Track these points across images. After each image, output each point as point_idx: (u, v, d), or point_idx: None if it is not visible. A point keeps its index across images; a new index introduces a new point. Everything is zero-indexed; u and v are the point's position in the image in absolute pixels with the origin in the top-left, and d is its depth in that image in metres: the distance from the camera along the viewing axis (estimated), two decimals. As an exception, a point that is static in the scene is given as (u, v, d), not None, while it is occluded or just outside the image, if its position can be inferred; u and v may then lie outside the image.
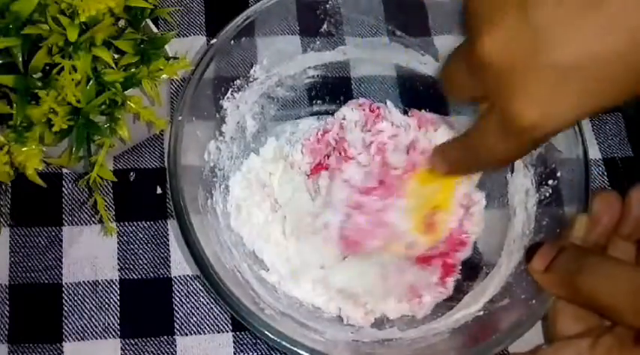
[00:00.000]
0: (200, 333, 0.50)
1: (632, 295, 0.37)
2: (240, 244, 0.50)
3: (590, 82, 0.32)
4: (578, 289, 0.38)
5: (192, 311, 0.50)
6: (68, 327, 0.49)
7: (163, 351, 0.49)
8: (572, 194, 0.45)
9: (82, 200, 0.53)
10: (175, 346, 0.49)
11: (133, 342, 0.49)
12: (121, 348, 0.49)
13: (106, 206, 0.49)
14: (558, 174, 0.47)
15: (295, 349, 0.40)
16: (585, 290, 0.38)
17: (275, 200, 0.52)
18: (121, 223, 0.52)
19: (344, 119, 0.51)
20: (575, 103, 0.33)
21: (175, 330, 0.50)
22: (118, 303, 0.50)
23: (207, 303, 0.51)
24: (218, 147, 0.50)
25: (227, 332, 0.50)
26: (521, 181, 0.49)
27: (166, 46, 0.46)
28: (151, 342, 0.49)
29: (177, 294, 0.51)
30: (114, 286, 0.50)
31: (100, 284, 0.50)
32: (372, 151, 0.49)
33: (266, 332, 0.40)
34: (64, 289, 0.50)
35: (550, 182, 0.47)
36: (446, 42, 0.52)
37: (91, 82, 0.43)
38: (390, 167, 0.48)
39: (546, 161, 0.48)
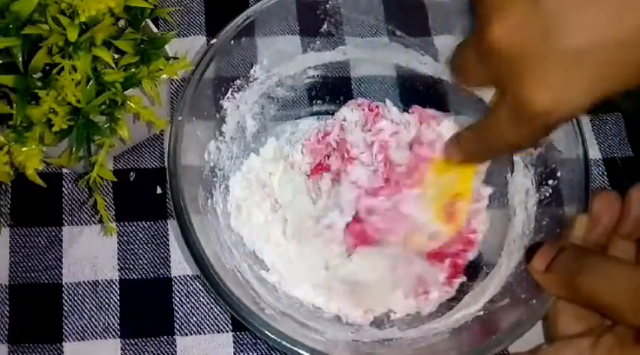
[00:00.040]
0: (200, 333, 0.50)
1: (632, 294, 0.37)
2: (240, 244, 0.50)
3: (602, 66, 0.32)
4: (579, 289, 0.39)
5: (192, 311, 0.50)
6: (68, 327, 0.49)
7: (163, 351, 0.49)
8: (572, 194, 0.45)
9: (82, 200, 0.53)
10: (175, 346, 0.49)
11: (133, 342, 0.49)
12: (121, 348, 0.49)
13: (106, 206, 0.50)
14: (558, 174, 0.47)
15: (295, 349, 0.40)
16: (585, 290, 0.38)
17: (275, 200, 0.52)
18: (121, 223, 0.52)
19: (344, 120, 0.51)
20: (587, 88, 0.33)
21: (175, 330, 0.50)
22: (118, 303, 0.50)
23: (207, 303, 0.51)
24: (218, 147, 0.50)
25: (227, 332, 0.50)
26: (522, 181, 0.49)
27: (166, 46, 0.46)
28: (151, 342, 0.49)
29: (177, 294, 0.51)
30: (114, 286, 0.50)
31: (100, 284, 0.50)
32: (374, 150, 0.49)
33: (266, 332, 0.40)
34: (64, 289, 0.50)
35: (550, 182, 0.47)
36: (446, 42, 0.52)
37: (91, 82, 0.43)
38: (393, 164, 0.48)
39: (546, 161, 0.48)
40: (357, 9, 0.52)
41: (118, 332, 0.49)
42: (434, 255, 0.49)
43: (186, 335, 0.50)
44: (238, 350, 0.49)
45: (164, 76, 0.45)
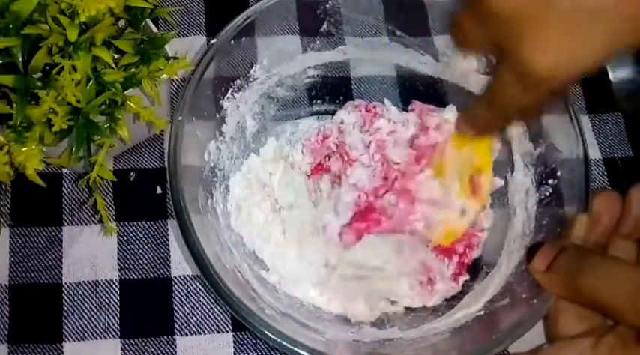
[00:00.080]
0: (200, 333, 0.50)
1: (633, 294, 0.37)
2: (240, 244, 0.50)
3: (616, 23, 0.32)
4: (579, 289, 0.38)
5: (192, 311, 0.50)
6: (68, 327, 0.49)
7: (163, 351, 0.49)
8: (573, 194, 0.45)
9: (82, 200, 0.53)
10: (175, 346, 0.49)
11: (133, 342, 0.49)
12: (121, 348, 0.49)
13: (106, 206, 0.50)
14: (558, 174, 0.47)
15: (295, 349, 0.40)
16: (586, 290, 0.38)
17: (275, 200, 0.52)
18: (121, 223, 0.52)
19: (342, 123, 0.51)
20: (599, 45, 0.33)
21: (175, 330, 0.50)
22: (118, 303, 0.50)
23: (207, 303, 0.51)
24: (218, 147, 0.50)
25: (227, 332, 0.50)
26: (522, 181, 0.49)
27: (166, 46, 0.46)
28: (151, 342, 0.49)
29: (177, 294, 0.51)
30: (114, 286, 0.50)
31: (100, 284, 0.50)
32: (371, 150, 0.49)
33: (266, 332, 0.40)
34: (64, 289, 0.50)
35: (550, 181, 0.47)
36: (446, 42, 0.52)
37: (91, 82, 0.43)
38: (391, 163, 0.48)
39: (546, 161, 0.48)
40: (357, 9, 0.52)
41: (118, 332, 0.49)
42: (441, 249, 0.49)
43: (186, 335, 0.50)
44: (238, 350, 0.49)
45: (164, 76, 0.45)
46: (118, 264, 0.51)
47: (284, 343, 0.40)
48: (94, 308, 0.50)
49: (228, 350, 0.49)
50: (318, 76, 0.55)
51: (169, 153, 0.43)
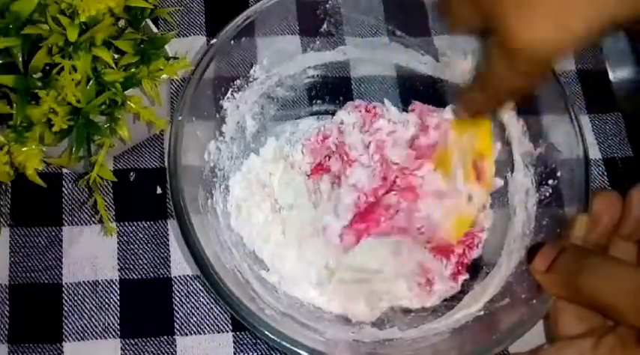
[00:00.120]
0: (200, 333, 0.50)
1: (634, 295, 0.37)
2: (240, 244, 0.50)
3: None
4: (580, 289, 0.38)
5: (192, 311, 0.50)
6: (68, 327, 0.49)
7: (163, 351, 0.49)
8: (573, 194, 0.45)
9: (82, 200, 0.53)
10: (175, 346, 0.49)
11: (133, 342, 0.49)
12: (121, 348, 0.49)
13: (106, 206, 0.49)
14: (558, 174, 0.47)
15: (295, 349, 0.40)
16: (587, 291, 0.38)
17: (275, 200, 0.52)
18: (121, 223, 0.52)
19: (341, 123, 0.51)
20: (588, 18, 0.32)
21: (175, 330, 0.50)
22: (118, 303, 0.50)
23: (207, 303, 0.51)
24: (218, 147, 0.50)
25: (227, 332, 0.50)
26: (522, 181, 0.49)
27: (166, 46, 0.46)
28: (151, 342, 0.49)
29: (177, 294, 0.51)
30: (114, 286, 0.50)
31: (100, 284, 0.50)
32: (371, 150, 0.49)
33: (266, 332, 0.40)
34: (64, 289, 0.50)
35: (550, 182, 0.47)
36: (446, 42, 0.52)
37: (91, 82, 0.43)
38: (390, 163, 0.48)
39: (547, 161, 0.48)
40: (357, 9, 0.52)
41: (118, 332, 0.49)
42: (439, 250, 0.49)
43: (186, 335, 0.50)
44: (238, 350, 0.49)
45: (164, 76, 0.45)
46: (118, 264, 0.51)
47: (284, 343, 0.40)
48: (94, 308, 0.50)
49: (228, 350, 0.49)
50: (318, 76, 0.55)
51: (169, 153, 0.43)
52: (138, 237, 0.52)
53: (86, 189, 0.53)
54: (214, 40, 0.47)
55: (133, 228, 0.52)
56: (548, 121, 0.48)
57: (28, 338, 0.48)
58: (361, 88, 0.57)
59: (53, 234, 0.51)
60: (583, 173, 0.44)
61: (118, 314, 0.50)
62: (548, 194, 0.47)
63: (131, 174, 0.54)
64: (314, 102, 0.56)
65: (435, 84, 0.54)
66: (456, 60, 0.52)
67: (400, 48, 0.53)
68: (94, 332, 0.49)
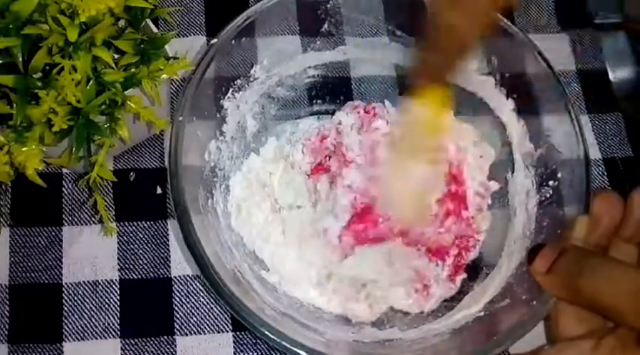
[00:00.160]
0: (200, 333, 0.50)
1: (634, 296, 0.37)
2: (240, 244, 0.50)
3: None
4: (580, 291, 0.38)
5: (192, 311, 0.50)
6: (68, 327, 0.49)
7: (163, 351, 0.49)
8: (573, 195, 0.45)
9: (82, 200, 0.53)
10: (175, 346, 0.49)
11: (133, 342, 0.49)
12: (121, 348, 0.49)
13: (106, 206, 0.49)
14: (559, 175, 0.47)
15: (295, 349, 0.40)
16: (587, 292, 0.38)
17: (275, 200, 0.52)
18: (121, 223, 0.52)
19: (339, 124, 0.51)
20: None
21: (175, 330, 0.50)
22: (118, 303, 0.50)
23: (207, 303, 0.51)
24: (218, 147, 0.50)
25: (227, 332, 0.50)
26: (522, 182, 0.49)
27: (166, 46, 0.46)
28: (151, 342, 0.49)
29: (177, 294, 0.51)
30: (114, 286, 0.50)
31: (100, 284, 0.50)
32: (364, 150, 0.49)
33: (266, 332, 0.40)
34: (64, 289, 0.50)
35: (551, 183, 0.47)
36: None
37: (91, 82, 0.43)
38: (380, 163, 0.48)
39: (547, 162, 0.48)
40: (357, 9, 0.52)
41: (118, 332, 0.49)
42: (435, 252, 0.49)
43: (186, 335, 0.50)
44: (238, 350, 0.49)
45: (164, 76, 0.45)
46: (118, 263, 0.51)
47: (284, 343, 0.40)
48: (94, 308, 0.50)
49: (228, 350, 0.49)
50: (318, 75, 0.55)
51: (170, 153, 0.43)
52: (138, 237, 0.52)
53: (86, 189, 0.53)
54: (215, 40, 0.47)
55: (133, 228, 0.52)
56: (549, 122, 0.48)
57: (28, 338, 0.48)
58: (361, 87, 0.57)
59: (53, 234, 0.51)
60: (583, 174, 0.44)
61: (118, 314, 0.50)
62: (548, 195, 0.47)
63: (131, 174, 0.54)
64: (314, 102, 0.56)
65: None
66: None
67: (400, 48, 0.53)
68: (94, 332, 0.49)
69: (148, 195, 0.53)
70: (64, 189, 0.53)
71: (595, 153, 0.57)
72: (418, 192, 0.47)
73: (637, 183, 0.43)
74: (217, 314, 0.50)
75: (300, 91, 0.55)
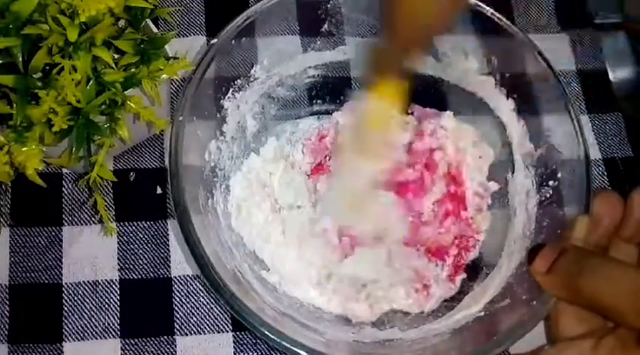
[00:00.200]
0: (200, 333, 0.50)
1: (634, 296, 0.37)
2: (240, 244, 0.50)
3: None
4: (580, 291, 0.38)
5: (192, 311, 0.50)
6: (68, 327, 0.49)
7: (163, 351, 0.49)
8: (573, 195, 0.45)
9: (82, 200, 0.53)
10: (175, 346, 0.49)
11: (133, 342, 0.49)
12: (121, 348, 0.49)
13: (106, 206, 0.49)
14: (559, 175, 0.47)
15: (295, 349, 0.40)
16: (587, 292, 0.38)
17: (275, 200, 0.52)
18: (121, 223, 0.52)
19: (337, 124, 0.51)
20: None
21: (175, 330, 0.50)
22: (118, 303, 0.50)
23: (207, 303, 0.51)
24: (219, 147, 0.50)
25: (227, 332, 0.50)
26: (522, 182, 0.49)
27: (166, 46, 0.46)
28: (151, 342, 0.49)
29: (177, 294, 0.51)
30: (114, 286, 0.50)
31: (100, 284, 0.50)
32: None
33: (266, 332, 0.40)
34: (64, 289, 0.50)
35: (551, 183, 0.47)
36: (447, 42, 0.52)
37: (91, 82, 0.43)
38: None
39: (547, 162, 0.48)
40: (357, 9, 0.52)
41: (118, 332, 0.49)
42: (435, 252, 0.49)
43: (186, 335, 0.50)
44: (238, 350, 0.49)
45: (164, 76, 0.45)
46: (118, 263, 0.51)
47: (284, 343, 0.40)
48: (94, 308, 0.50)
49: (228, 350, 0.49)
50: (318, 75, 0.55)
51: (170, 153, 0.43)
52: (138, 237, 0.52)
53: (86, 189, 0.53)
54: (215, 40, 0.47)
55: (133, 228, 0.52)
56: (549, 122, 0.48)
57: (28, 338, 0.48)
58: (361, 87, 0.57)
59: (53, 234, 0.51)
60: (584, 174, 0.45)
61: (118, 314, 0.50)
62: (548, 195, 0.47)
63: (131, 174, 0.54)
64: (314, 102, 0.56)
65: (436, 84, 0.54)
66: (457, 60, 0.52)
67: (400, 48, 0.53)
68: (94, 332, 0.49)
69: (148, 195, 0.53)
70: (64, 189, 0.53)
71: (595, 153, 0.57)
72: (359, 189, 0.47)
73: (637, 183, 0.43)
74: (217, 314, 0.50)
75: (300, 91, 0.55)
